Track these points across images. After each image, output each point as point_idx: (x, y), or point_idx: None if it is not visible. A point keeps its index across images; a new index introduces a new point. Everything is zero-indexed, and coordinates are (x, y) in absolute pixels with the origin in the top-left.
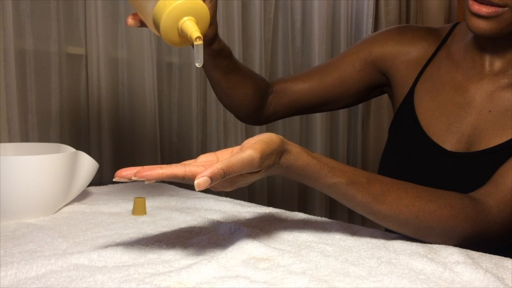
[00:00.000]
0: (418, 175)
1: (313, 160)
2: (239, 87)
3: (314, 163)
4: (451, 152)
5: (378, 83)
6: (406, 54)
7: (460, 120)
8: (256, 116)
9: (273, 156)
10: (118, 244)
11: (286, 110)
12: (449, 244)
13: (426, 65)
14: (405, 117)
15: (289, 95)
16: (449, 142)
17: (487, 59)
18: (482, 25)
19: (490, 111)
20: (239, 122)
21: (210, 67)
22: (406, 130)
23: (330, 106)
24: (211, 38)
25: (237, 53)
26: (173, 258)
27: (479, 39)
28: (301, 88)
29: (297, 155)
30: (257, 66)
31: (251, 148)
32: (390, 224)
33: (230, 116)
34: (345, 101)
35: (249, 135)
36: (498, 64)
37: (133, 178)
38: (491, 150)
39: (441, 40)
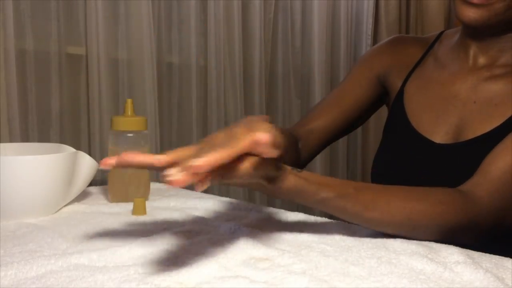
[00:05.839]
0: (409, 170)
1: (300, 180)
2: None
3: (302, 183)
4: (439, 144)
5: (382, 95)
6: (399, 60)
7: (447, 112)
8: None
9: (260, 176)
10: (118, 244)
11: (317, 148)
12: (445, 239)
13: (415, 67)
14: (396, 115)
15: (316, 135)
16: (438, 134)
17: (471, 56)
18: (472, 14)
19: (475, 102)
20: None
21: None
22: (397, 127)
23: (353, 128)
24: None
25: (237, 53)
26: (173, 258)
27: (464, 39)
28: (325, 124)
29: (285, 177)
30: (257, 66)
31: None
32: (385, 229)
33: (230, 116)
34: (363, 119)
35: None
36: (481, 60)
37: (116, 162)
38: (478, 139)
39: (429, 45)
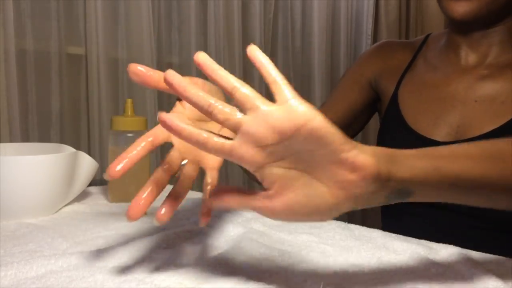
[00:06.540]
0: None
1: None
2: None
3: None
4: (444, 143)
5: (374, 100)
6: (388, 65)
7: (447, 113)
8: None
9: None
10: (118, 244)
11: None
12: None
13: (406, 71)
14: (392, 119)
15: None
16: (438, 135)
17: (462, 55)
18: (461, 8)
19: (476, 101)
20: None
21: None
22: (395, 131)
23: (352, 133)
24: None
25: (237, 54)
26: (173, 258)
27: (452, 39)
28: None
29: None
30: None
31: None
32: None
33: None
34: (358, 123)
35: None
36: (472, 58)
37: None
38: (486, 136)
39: (417, 49)
